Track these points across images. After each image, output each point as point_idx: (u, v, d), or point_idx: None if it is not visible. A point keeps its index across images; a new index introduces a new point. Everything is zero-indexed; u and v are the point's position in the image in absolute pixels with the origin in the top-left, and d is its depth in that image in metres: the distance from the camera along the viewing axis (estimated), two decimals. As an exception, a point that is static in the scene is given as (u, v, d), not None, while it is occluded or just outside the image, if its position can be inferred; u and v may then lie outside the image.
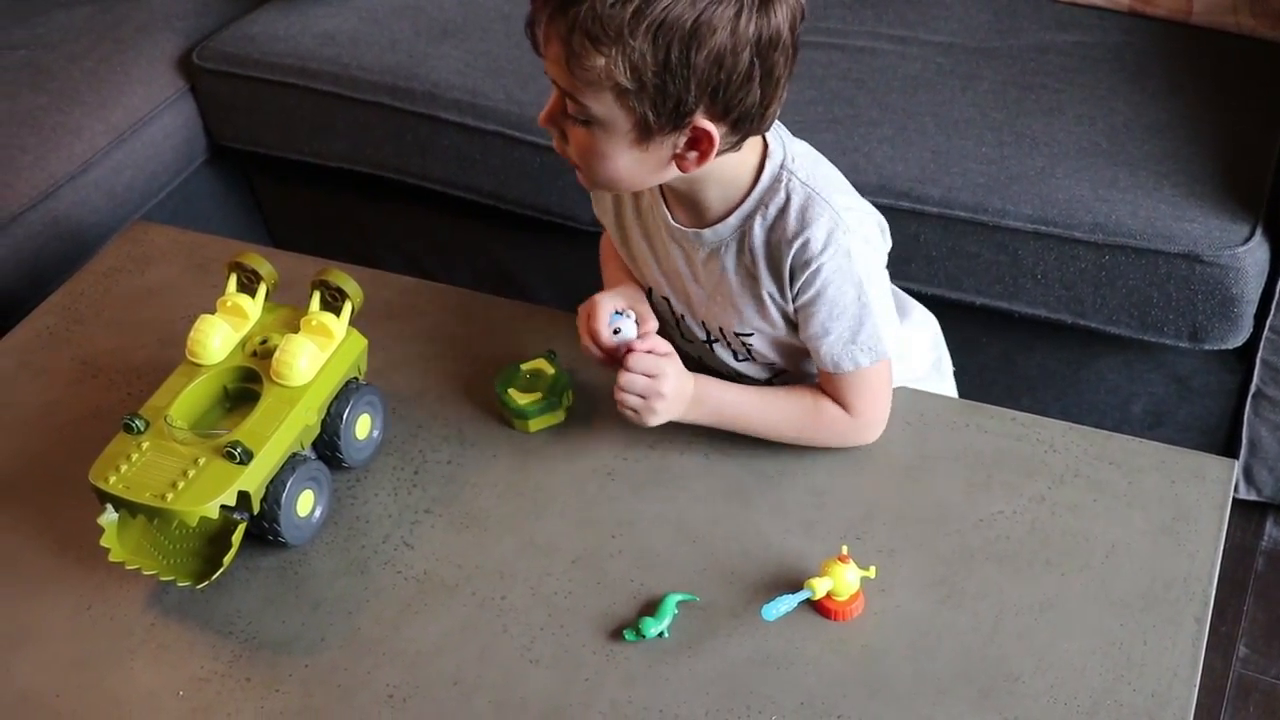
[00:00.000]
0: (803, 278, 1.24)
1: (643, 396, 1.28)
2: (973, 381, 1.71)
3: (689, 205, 1.29)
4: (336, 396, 1.37)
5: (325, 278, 1.39)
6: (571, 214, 1.95)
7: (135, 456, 1.28)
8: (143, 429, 1.30)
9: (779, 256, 1.25)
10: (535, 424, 1.41)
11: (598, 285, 1.75)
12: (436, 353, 1.53)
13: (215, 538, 1.33)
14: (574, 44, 1.11)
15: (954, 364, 1.54)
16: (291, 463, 1.31)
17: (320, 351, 1.35)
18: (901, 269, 1.66)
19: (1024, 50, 1.93)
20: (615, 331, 1.33)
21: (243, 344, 1.39)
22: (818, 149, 1.29)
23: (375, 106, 2.02)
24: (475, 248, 2.21)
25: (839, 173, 1.30)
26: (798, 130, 1.29)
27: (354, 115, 2.04)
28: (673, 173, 1.21)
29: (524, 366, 1.44)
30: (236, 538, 1.28)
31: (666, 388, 1.29)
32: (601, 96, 1.13)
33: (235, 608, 1.30)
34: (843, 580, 1.18)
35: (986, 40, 1.96)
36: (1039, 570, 1.24)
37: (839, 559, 1.19)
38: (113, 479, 1.27)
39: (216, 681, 1.24)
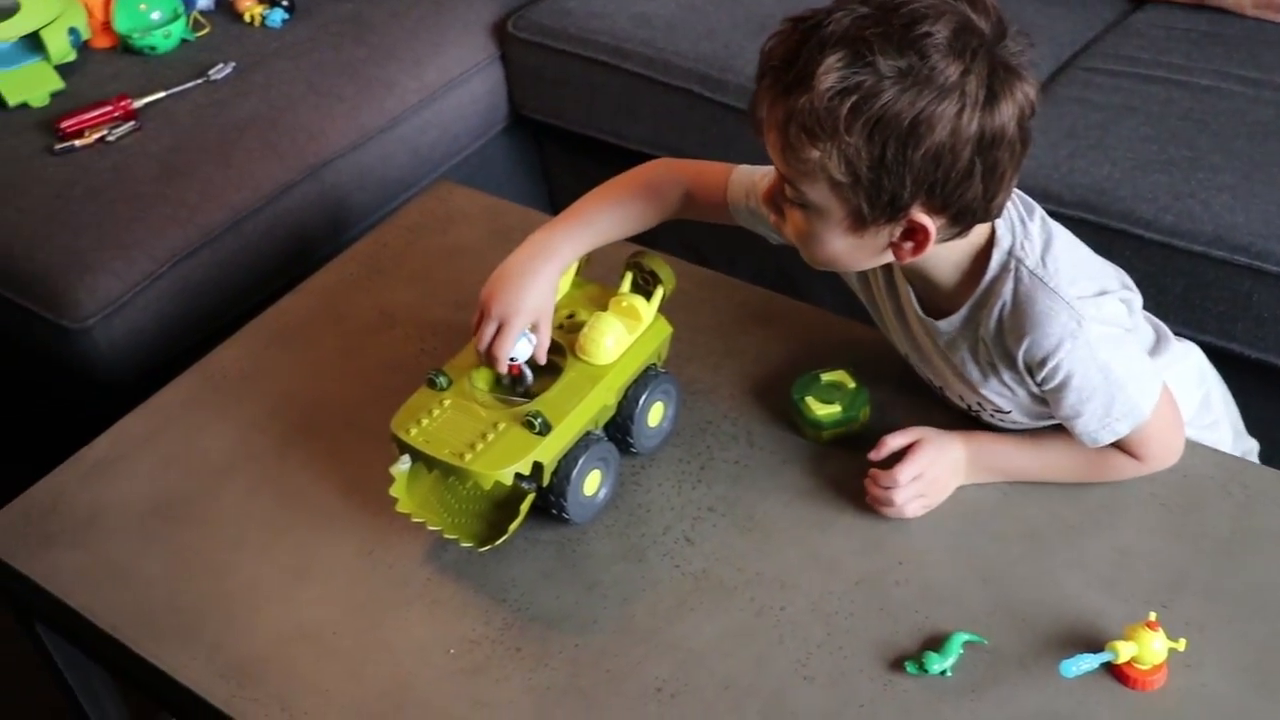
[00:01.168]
0: (1041, 374, 1.20)
1: (921, 494, 1.28)
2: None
3: (922, 287, 1.26)
4: (635, 381, 1.38)
5: (640, 260, 1.40)
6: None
7: (437, 412, 1.32)
8: (445, 386, 1.34)
9: (1011, 354, 1.21)
10: (829, 436, 1.40)
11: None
12: (731, 350, 1.53)
13: (501, 504, 1.36)
14: (790, 135, 1.10)
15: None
16: (585, 440, 1.33)
17: (627, 333, 1.36)
18: (1225, 328, 1.58)
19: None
20: (512, 359, 1.33)
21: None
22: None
23: (684, 94, 2.03)
24: (761, 246, 2.19)
25: (1076, 248, 1.24)
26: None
27: (661, 101, 2.06)
28: (889, 258, 1.18)
29: (824, 377, 1.42)
30: (525, 507, 1.30)
31: (934, 472, 1.28)
32: (817, 185, 1.12)
33: (511, 576, 1.32)
34: (1149, 648, 1.13)
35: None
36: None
37: (1146, 625, 1.14)
38: (414, 431, 1.30)
39: (487, 646, 1.27)
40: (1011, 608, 1.23)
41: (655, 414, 1.40)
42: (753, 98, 1.15)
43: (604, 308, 1.39)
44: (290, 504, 1.43)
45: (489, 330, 1.32)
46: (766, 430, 1.43)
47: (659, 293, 1.39)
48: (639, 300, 1.38)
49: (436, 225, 1.80)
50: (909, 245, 1.15)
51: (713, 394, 1.48)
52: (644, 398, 1.37)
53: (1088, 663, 1.14)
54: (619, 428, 1.39)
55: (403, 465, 1.34)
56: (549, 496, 1.32)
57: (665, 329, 1.40)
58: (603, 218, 1.39)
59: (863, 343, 1.48)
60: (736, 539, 1.33)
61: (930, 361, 1.32)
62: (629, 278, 1.41)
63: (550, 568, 1.33)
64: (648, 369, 1.39)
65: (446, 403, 1.32)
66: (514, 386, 1.35)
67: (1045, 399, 1.24)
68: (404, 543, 1.37)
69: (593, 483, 1.35)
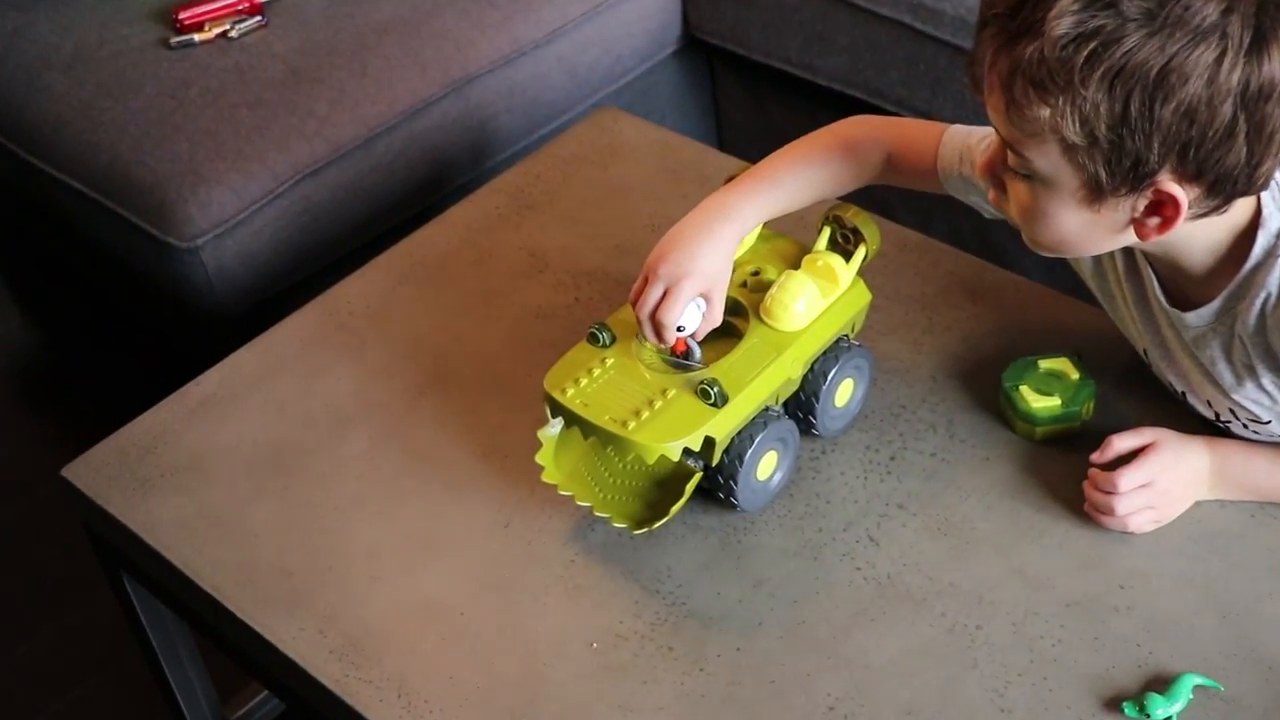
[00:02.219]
0: None
1: (1150, 506, 1.27)
2: None
3: (1168, 273, 1.24)
4: (824, 353, 1.38)
5: (841, 213, 1.40)
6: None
7: (597, 372, 1.33)
8: (609, 343, 1.35)
9: (1276, 355, 1.18)
10: (1044, 433, 1.39)
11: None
12: (934, 325, 1.53)
13: (663, 482, 1.37)
14: (1015, 91, 1.08)
15: None
16: (764, 417, 1.34)
17: (821, 297, 1.37)
18: None
19: None
20: (679, 329, 1.32)
21: (733, 270, 1.41)
22: None
23: (892, 25, 2.02)
24: (959, 204, 2.18)
25: None
26: None
27: (863, 31, 2.05)
28: (1130, 239, 1.16)
29: (1043, 364, 1.41)
30: (690, 487, 1.31)
31: (1168, 481, 1.27)
32: (1046, 150, 1.10)
33: (667, 565, 1.34)
34: None
35: None
36: None
37: None
38: (570, 392, 1.32)
39: (635, 642, 1.28)
40: (1254, 651, 1.21)
41: (844, 392, 1.41)
42: (971, 52, 1.14)
43: (796, 266, 1.39)
44: (419, 463, 1.46)
45: (654, 293, 1.33)
46: (970, 420, 1.43)
47: (860, 253, 1.40)
48: (837, 260, 1.38)
49: (597, 157, 1.81)
50: (1155, 221, 1.14)
51: (910, 374, 1.48)
52: (833, 373, 1.38)
53: (1348, 725, 1.12)
54: (801, 405, 1.39)
55: (553, 429, 1.36)
56: (717, 478, 1.34)
57: (864, 295, 1.41)
58: (792, 179, 1.39)
59: (1090, 327, 1.46)
60: (928, 543, 1.33)
61: (1174, 360, 1.30)
62: (826, 233, 1.41)
63: (712, 559, 1.34)
64: (839, 340, 1.39)
65: (609, 362, 1.34)
66: (680, 364, 1.36)
67: None
68: (547, 517, 1.39)
69: (768, 466, 1.35)
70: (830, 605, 1.29)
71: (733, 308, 1.39)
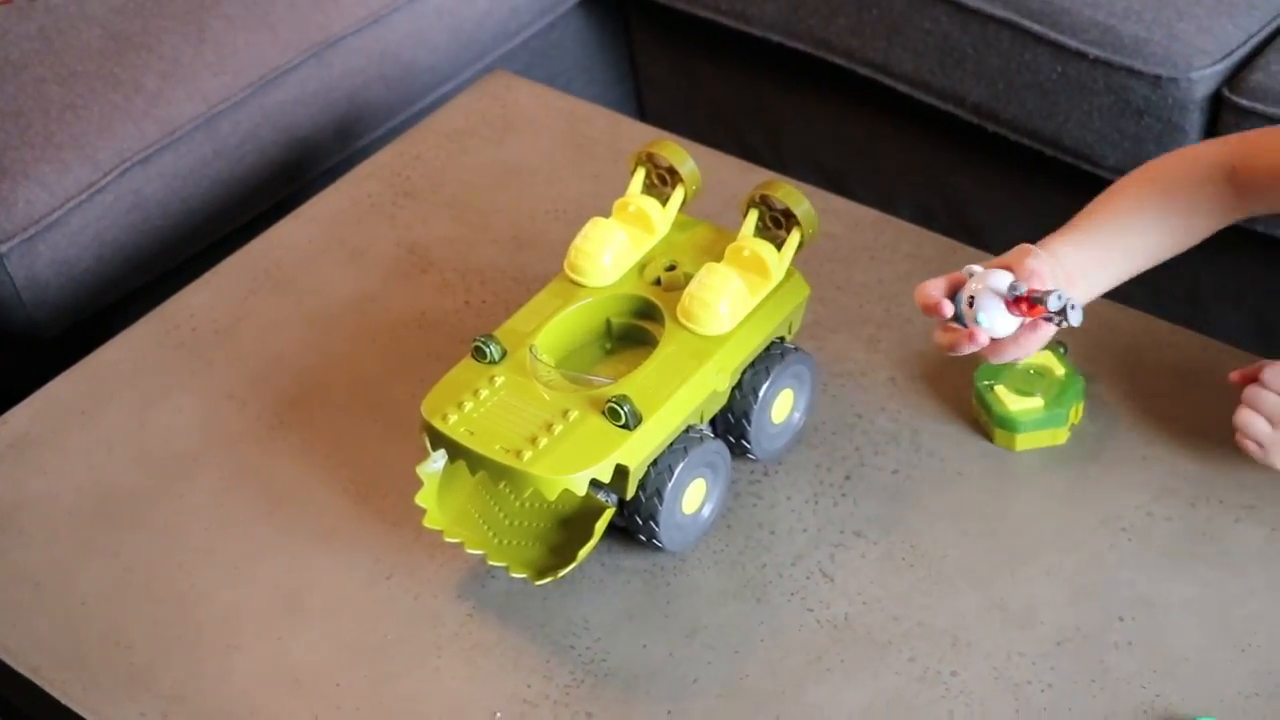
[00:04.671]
0: None
1: (1272, 424, 1.30)
2: None
3: None
4: (756, 360, 1.41)
5: (769, 193, 1.43)
6: (1089, 151, 1.95)
7: (485, 393, 1.36)
8: (498, 358, 1.38)
9: None
10: (1025, 440, 1.43)
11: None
12: (894, 317, 1.57)
13: (569, 520, 1.40)
14: None
15: None
16: (684, 440, 1.37)
17: (749, 295, 1.40)
18: None
19: None
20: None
21: (641, 267, 1.45)
22: None
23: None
24: (926, 175, 2.23)
25: None
26: None
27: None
28: None
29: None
30: (600, 526, 1.34)
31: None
32: None
33: (582, 616, 1.37)
34: None
35: None
36: None
37: None
38: (453, 418, 1.34)
39: (547, 709, 1.31)
40: (1279, 688, 1.26)
41: (782, 405, 1.44)
42: None
43: (717, 257, 1.42)
44: (281, 508, 1.48)
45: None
46: (939, 430, 1.47)
47: (794, 238, 1.42)
48: (766, 249, 1.41)
49: (489, 131, 1.84)
50: None
51: (865, 378, 1.52)
52: (767, 384, 1.41)
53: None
54: (730, 424, 1.42)
55: (435, 465, 1.39)
56: (635, 515, 1.37)
57: (801, 289, 1.44)
58: (1131, 235, 1.37)
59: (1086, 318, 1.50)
60: (892, 577, 1.36)
61: None
62: (753, 217, 1.44)
63: (636, 606, 1.37)
64: (773, 344, 1.43)
65: (499, 381, 1.37)
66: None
67: None
68: (435, 567, 1.42)
69: (695, 496, 1.38)
70: (778, 654, 1.32)
71: (645, 310, 1.42)
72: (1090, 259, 1.35)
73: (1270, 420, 1.32)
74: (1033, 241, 1.35)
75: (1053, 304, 1.24)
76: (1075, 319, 1.25)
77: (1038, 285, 1.27)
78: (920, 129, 2.15)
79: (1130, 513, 1.38)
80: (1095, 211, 1.40)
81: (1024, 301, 1.25)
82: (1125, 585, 1.33)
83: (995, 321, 1.27)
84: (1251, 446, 1.33)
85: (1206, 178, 1.39)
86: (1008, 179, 2.11)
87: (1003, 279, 1.27)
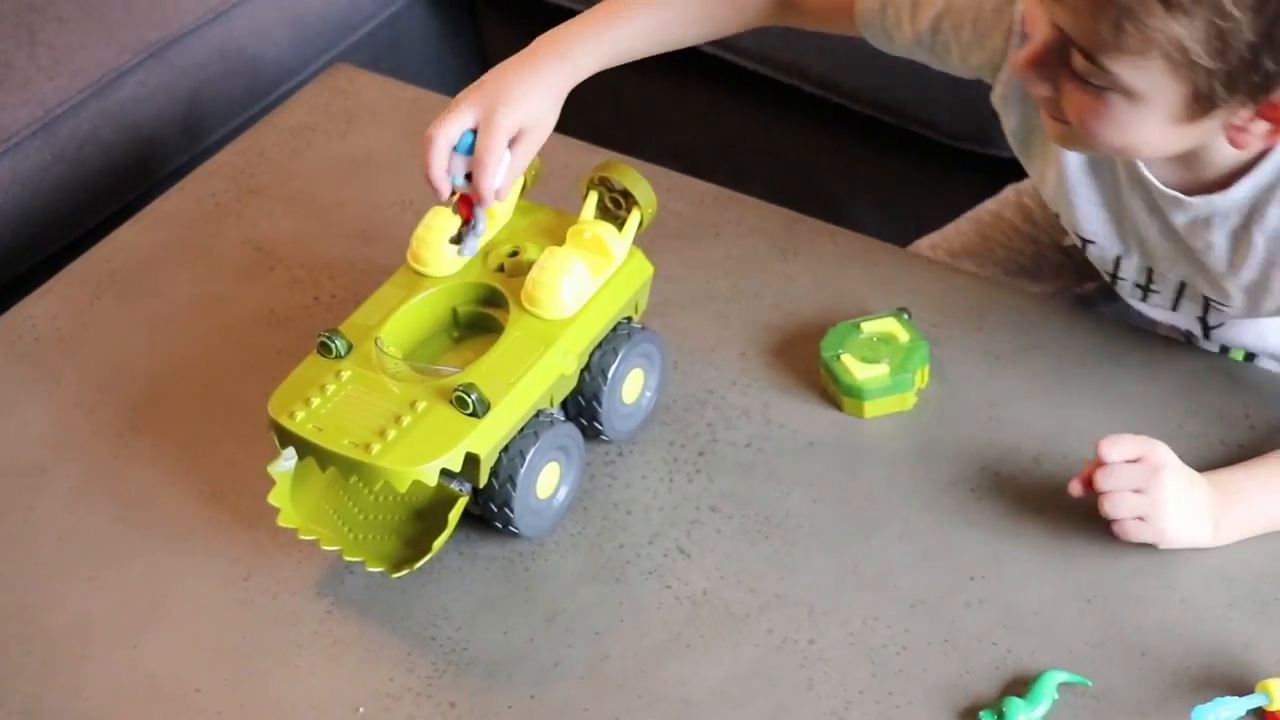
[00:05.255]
0: None
1: (1139, 517, 1.30)
2: None
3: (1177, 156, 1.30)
4: (603, 342, 1.42)
5: (608, 174, 1.43)
6: (931, 120, 1.97)
7: (332, 389, 1.35)
8: (344, 352, 1.37)
9: None
10: (873, 408, 1.44)
11: (944, 219, 1.78)
12: (742, 292, 1.58)
13: (423, 512, 1.40)
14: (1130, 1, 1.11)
15: None
16: (535, 424, 1.37)
17: (592, 276, 1.40)
18: None
19: None
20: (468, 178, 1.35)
21: (485, 253, 1.45)
22: None
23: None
24: (779, 151, 2.24)
25: None
26: None
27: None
28: (1210, 142, 1.22)
29: (865, 326, 1.47)
30: (454, 516, 1.34)
31: (1162, 490, 1.29)
32: (1146, 67, 1.14)
33: (441, 606, 1.37)
34: (1314, 688, 1.18)
35: None
36: None
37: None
38: (300, 415, 1.34)
39: (410, 701, 1.31)
40: (1124, 636, 1.28)
41: (632, 385, 1.45)
42: None
43: (560, 241, 1.42)
44: (133, 514, 1.47)
45: (458, 117, 1.34)
46: (789, 402, 1.48)
47: (634, 218, 1.43)
48: (607, 230, 1.42)
49: (332, 125, 1.83)
50: (1263, 128, 1.18)
51: (715, 353, 1.53)
52: (616, 365, 1.42)
53: (1230, 709, 1.18)
54: (581, 407, 1.43)
55: (285, 463, 1.38)
56: (489, 502, 1.37)
57: (645, 269, 1.44)
58: (642, 15, 1.40)
59: (921, 278, 1.52)
60: (748, 549, 1.37)
61: (1134, 235, 1.38)
62: (593, 199, 1.45)
63: (495, 593, 1.37)
64: (620, 324, 1.43)
65: (345, 375, 1.36)
66: (458, 239, 1.38)
67: None
68: (292, 566, 1.41)
69: (549, 480, 1.39)
70: (638, 634, 1.33)
71: (489, 297, 1.42)
72: (596, 54, 1.42)
73: (1138, 489, 1.29)
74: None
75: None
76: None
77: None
78: (766, 104, 2.16)
79: (977, 473, 1.40)
80: (609, 9, 1.44)
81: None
82: (975, 545, 1.35)
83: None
84: (1133, 526, 1.29)
85: None
86: (853, 149, 2.13)
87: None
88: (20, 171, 1.96)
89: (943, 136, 1.94)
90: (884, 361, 1.44)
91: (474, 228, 1.39)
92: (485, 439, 1.32)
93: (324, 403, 1.34)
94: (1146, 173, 1.32)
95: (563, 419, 1.40)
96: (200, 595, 1.40)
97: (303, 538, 1.37)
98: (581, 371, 1.41)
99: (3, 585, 1.43)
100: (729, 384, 1.50)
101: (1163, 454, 1.29)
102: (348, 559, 1.36)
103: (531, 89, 1.36)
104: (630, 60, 1.43)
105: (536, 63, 1.38)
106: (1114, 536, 1.30)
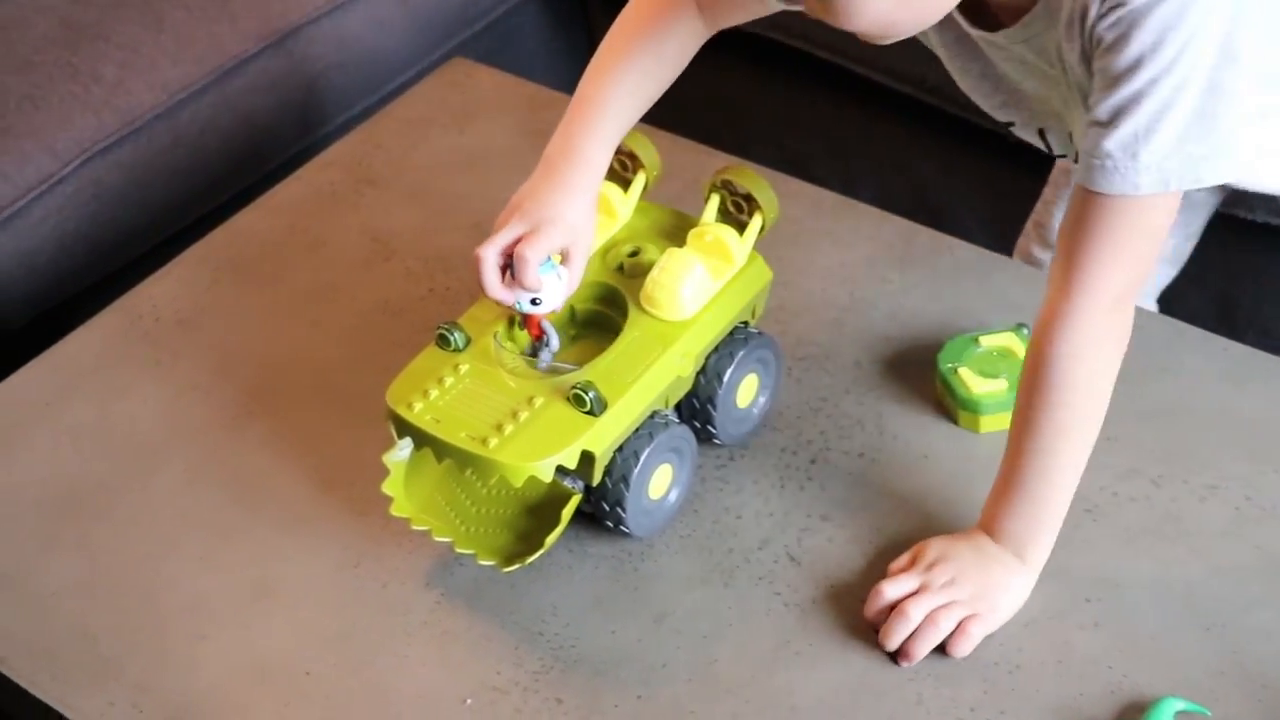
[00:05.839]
0: (1110, 22, 1.16)
1: (955, 617, 1.29)
2: None
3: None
4: (720, 345, 1.41)
5: (731, 178, 1.43)
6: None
7: (450, 381, 1.35)
8: (462, 346, 1.38)
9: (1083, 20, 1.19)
10: (989, 423, 1.43)
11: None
12: (858, 301, 1.57)
13: (535, 507, 1.40)
14: None
15: None
16: (650, 425, 1.37)
17: (712, 279, 1.40)
18: None
19: None
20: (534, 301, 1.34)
21: (604, 253, 1.45)
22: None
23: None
24: (887, 158, 2.23)
25: None
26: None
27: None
28: None
29: (985, 341, 1.46)
30: (567, 513, 1.34)
31: (961, 561, 1.30)
32: None
33: (551, 602, 1.37)
34: None
35: None
36: None
37: None
38: (418, 407, 1.34)
39: (517, 695, 1.31)
40: (1244, 667, 1.26)
41: (747, 390, 1.44)
42: None
43: (680, 243, 1.42)
44: (247, 498, 1.48)
45: (509, 230, 1.34)
46: (904, 413, 1.47)
47: (756, 222, 1.43)
48: (729, 233, 1.41)
49: (449, 119, 1.84)
50: None
51: (830, 362, 1.52)
52: (732, 369, 1.41)
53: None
54: (697, 408, 1.43)
55: (401, 453, 1.38)
56: (602, 501, 1.37)
57: (764, 273, 1.44)
58: (620, 92, 1.40)
59: (1040, 294, 1.50)
60: (859, 560, 1.37)
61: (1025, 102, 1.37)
62: (714, 202, 1.44)
63: (604, 592, 1.37)
64: (738, 328, 1.43)
65: (463, 368, 1.36)
66: (535, 358, 1.38)
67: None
68: (402, 555, 1.41)
69: (661, 481, 1.39)
70: (747, 639, 1.32)
71: (608, 296, 1.42)
72: (605, 145, 1.39)
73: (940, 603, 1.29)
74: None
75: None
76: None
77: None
78: (880, 111, 2.16)
79: (1095, 493, 1.38)
80: (588, 86, 1.40)
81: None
82: (1091, 566, 1.34)
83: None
84: (965, 636, 1.29)
85: (675, 11, 1.40)
86: (968, 161, 2.12)
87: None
88: (143, 154, 1.98)
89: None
90: (1002, 376, 1.43)
91: (547, 343, 1.38)
92: (601, 438, 1.32)
93: (442, 395, 1.34)
94: (968, 28, 1.29)
95: (677, 421, 1.39)
96: (310, 580, 1.41)
97: (415, 528, 1.37)
98: (697, 374, 1.41)
99: (120, 562, 1.44)
100: (843, 392, 1.49)
101: (930, 547, 1.31)
102: (459, 551, 1.36)
103: (567, 201, 1.35)
104: (629, 129, 1.42)
105: (563, 176, 1.36)
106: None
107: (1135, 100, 1.17)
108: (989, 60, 1.35)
